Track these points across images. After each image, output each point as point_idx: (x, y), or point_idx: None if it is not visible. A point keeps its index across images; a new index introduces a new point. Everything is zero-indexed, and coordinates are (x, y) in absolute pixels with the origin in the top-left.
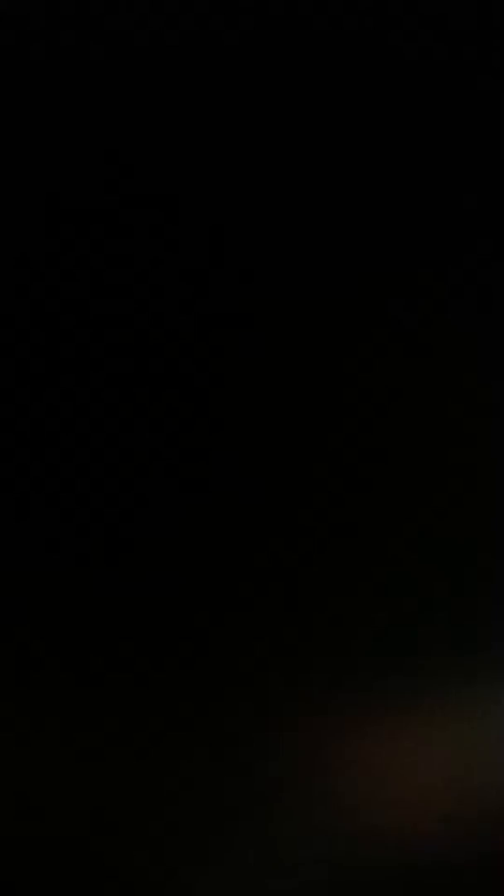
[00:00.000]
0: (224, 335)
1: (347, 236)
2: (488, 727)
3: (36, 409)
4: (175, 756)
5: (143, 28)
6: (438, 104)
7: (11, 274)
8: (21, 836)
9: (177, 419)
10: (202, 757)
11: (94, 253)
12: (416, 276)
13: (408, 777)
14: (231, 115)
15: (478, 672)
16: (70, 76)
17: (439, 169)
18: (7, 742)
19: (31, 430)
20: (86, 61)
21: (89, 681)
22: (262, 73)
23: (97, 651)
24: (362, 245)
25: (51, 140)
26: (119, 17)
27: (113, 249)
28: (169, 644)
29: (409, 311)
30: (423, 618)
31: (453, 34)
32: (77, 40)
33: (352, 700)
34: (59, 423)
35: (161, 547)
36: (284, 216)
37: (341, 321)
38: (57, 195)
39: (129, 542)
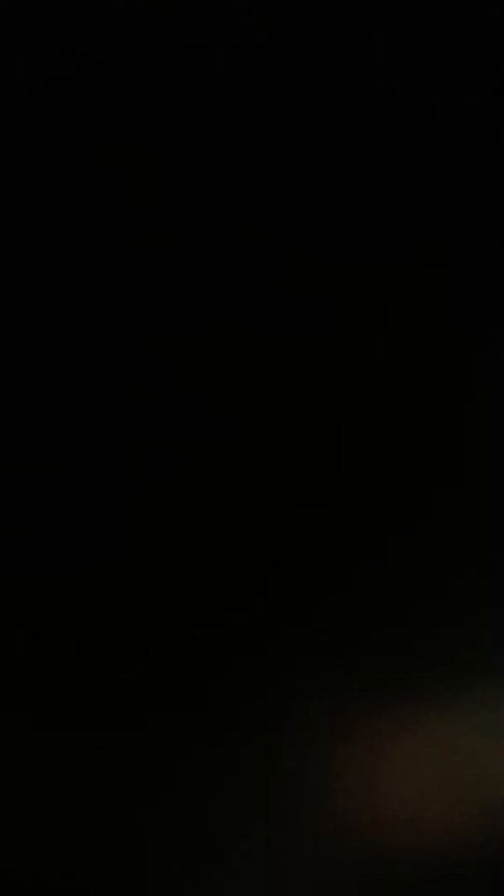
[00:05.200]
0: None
1: (347, 241)
2: (491, 731)
3: (38, 423)
4: (174, 761)
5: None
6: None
7: (11, 273)
8: (24, 833)
9: (177, 422)
10: (202, 761)
11: (95, 258)
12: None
13: (410, 784)
14: (233, 122)
15: (478, 674)
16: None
17: (439, 172)
18: (7, 742)
19: (34, 442)
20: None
21: (89, 679)
22: (266, 80)
23: (97, 650)
24: (362, 249)
25: (50, 142)
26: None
27: (114, 254)
28: (169, 649)
29: (408, 320)
30: (423, 619)
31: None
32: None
33: (353, 705)
34: (63, 428)
35: (162, 551)
36: (283, 221)
37: (341, 327)
38: (56, 195)
39: (129, 542)
